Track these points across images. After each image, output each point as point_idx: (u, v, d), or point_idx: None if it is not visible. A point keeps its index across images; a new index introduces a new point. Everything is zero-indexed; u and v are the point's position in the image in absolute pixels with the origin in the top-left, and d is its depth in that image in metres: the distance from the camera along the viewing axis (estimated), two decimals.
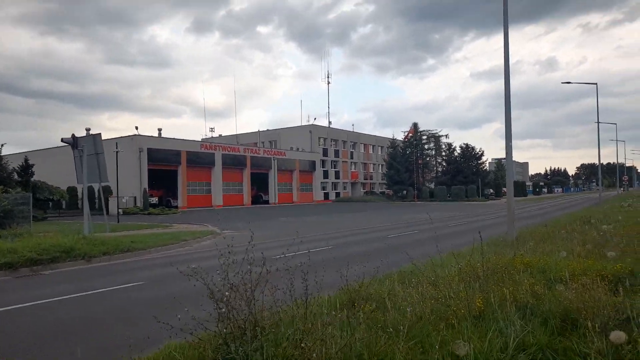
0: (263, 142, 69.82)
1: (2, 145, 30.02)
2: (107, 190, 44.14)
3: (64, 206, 45.37)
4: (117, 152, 28.78)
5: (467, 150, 76.34)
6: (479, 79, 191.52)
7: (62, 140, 15.64)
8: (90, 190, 45.85)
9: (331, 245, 14.87)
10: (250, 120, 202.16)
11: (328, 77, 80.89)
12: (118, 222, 28.15)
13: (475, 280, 6.27)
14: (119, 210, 43.35)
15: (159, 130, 52.99)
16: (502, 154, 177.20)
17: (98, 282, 9.48)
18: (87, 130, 56.16)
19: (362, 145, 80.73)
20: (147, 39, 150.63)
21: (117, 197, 43.53)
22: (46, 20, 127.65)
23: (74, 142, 15.67)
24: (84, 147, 19.89)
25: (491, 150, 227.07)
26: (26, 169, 34.51)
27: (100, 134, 19.12)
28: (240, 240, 16.30)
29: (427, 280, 6.72)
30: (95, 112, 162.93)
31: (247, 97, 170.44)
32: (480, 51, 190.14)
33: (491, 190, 79.16)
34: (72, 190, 48.62)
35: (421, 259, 10.47)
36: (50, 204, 39.56)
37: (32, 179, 35.11)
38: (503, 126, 13.17)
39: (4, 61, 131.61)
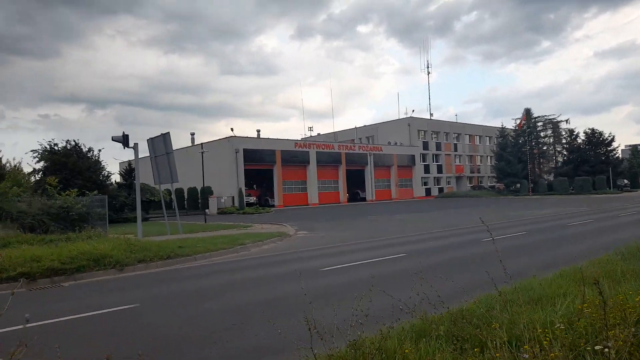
0: (360, 139, 67.75)
1: (99, 150, 31.87)
2: (207, 191, 45.83)
3: (172, 206, 47.93)
4: (202, 152, 28.73)
5: (594, 136, 66.21)
6: (605, 58, 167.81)
7: (112, 138, 15.19)
8: (194, 190, 48.12)
9: (406, 252, 12.22)
10: (352, 119, 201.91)
11: (428, 66, 76.32)
12: (205, 222, 28.09)
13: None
14: (217, 209, 44.77)
15: (258, 131, 53.85)
16: (637, 140, 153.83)
17: (94, 301, 8.14)
18: (192, 134, 59.43)
19: (467, 136, 74.53)
20: (255, 49, 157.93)
21: (215, 197, 45.20)
22: (169, 40, 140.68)
23: (123, 141, 15.07)
24: (152, 147, 19.54)
25: (623, 136, 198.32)
26: (129, 172, 36.48)
27: (169, 132, 18.62)
28: (308, 243, 13.97)
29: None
30: (213, 120, 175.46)
31: (349, 97, 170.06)
32: (605, 27, 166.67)
33: (625, 181, 67.88)
34: (179, 192, 51.53)
35: (509, 279, 7.51)
36: (154, 204, 41.69)
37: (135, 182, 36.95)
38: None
39: (137, 80, 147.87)
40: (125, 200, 33.53)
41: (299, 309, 6.57)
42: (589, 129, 67.22)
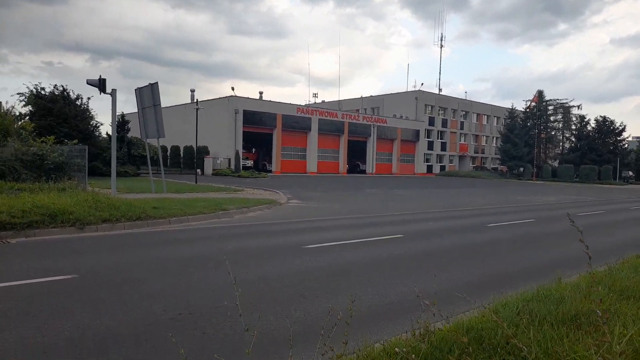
0: (365, 109, 65.79)
1: (88, 98, 30.23)
2: (203, 150, 44.38)
3: (168, 164, 46.65)
4: (197, 109, 27.05)
5: (604, 124, 64.21)
6: (622, 45, 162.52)
7: (87, 82, 13.71)
8: (190, 148, 46.63)
9: (404, 232, 10.99)
10: (359, 90, 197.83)
11: (441, 39, 73.36)
12: (196, 182, 26.86)
13: None
14: (213, 170, 43.45)
15: (260, 93, 51.91)
16: None
17: (27, 266, 6.93)
18: (192, 91, 57.56)
19: (475, 115, 72.47)
20: (265, 9, 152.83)
21: (211, 158, 43.82)
22: None
23: (100, 85, 13.58)
24: (139, 98, 18.08)
25: (632, 128, 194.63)
26: (122, 125, 34.99)
27: (157, 83, 17.14)
28: (298, 214, 12.43)
29: None
30: (219, 80, 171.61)
31: (357, 67, 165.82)
32: (624, 13, 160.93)
33: (630, 173, 66.33)
34: (175, 149, 50.07)
35: (530, 279, 6.25)
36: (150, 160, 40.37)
37: (128, 135, 35.60)
38: None
39: (143, 33, 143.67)
40: (117, 154, 32.16)
41: (264, 302, 5.34)
42: (601, 116, 65.15)
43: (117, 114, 39.97)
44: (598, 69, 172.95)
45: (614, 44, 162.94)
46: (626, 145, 68.09)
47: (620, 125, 63.97)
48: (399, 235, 10.38)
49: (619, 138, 64.61)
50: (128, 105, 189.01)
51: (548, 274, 7.18)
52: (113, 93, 14.04)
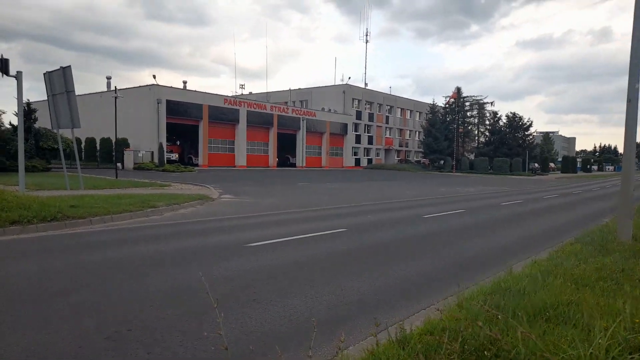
0: (294, 102, 65.39)
1: None
2: (123, 143, 41.48)
3: (82, 157, 43.09)
4: (115, 97, 25.14)
5: (514, 120, 69.43)
6: (525, 48, 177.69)
7: None
8: (107, 141, 43.37)
9: (347, 226, 10.80)
10: (285, 82, 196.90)
11: (366, 34, 74.75)
12: (116, 177, 24.96)
13: None
14: (134, 164, 40.81)
15: (184, 82, 49.50)
16: (547, 128, 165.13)
17: None
18: (108, 78, 53.55)
19: (399, 109, 74.97)
20: None
21: (129, 151, 41.08)
22: None
23: (2, 66, 11.91)
24: (49, 83, 16.35)
25: (535, 124, 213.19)
26: (28, 114, 31.58)
27: (69, 66, 15.49)
28: (233, 209, 11.49)
29: None
30: (137, 68, 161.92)
31: (283, 59, 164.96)
32: (528, 18, 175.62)
33: (536, 165, 72.57)
34: (91, 142, 46.33)
35: (480, 269, 6.28)
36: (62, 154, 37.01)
37: (35, 126, 32.21)
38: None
39: (49, 13, 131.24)
40: (24, 147, 29.01)
41: (210, 308, 4.79)
42: (511, 112, 70.47)
43: (23, 102, 36.09)
44: (505, 69, 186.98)
45: (519, 46, 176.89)
46: (533, 140, 74.19)
47: (527, 121, 69.51)
48: (342, 230, 10.17)
49: (526, 133, 70.16)
50: (33, 92, 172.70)
51: (494, 262, 7.31)
52: (18, 76, 12.33)
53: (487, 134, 73.93)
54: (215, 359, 3.58)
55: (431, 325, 3.82)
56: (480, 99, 75.62)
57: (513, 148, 67.35)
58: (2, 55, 11.64)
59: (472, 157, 72.46)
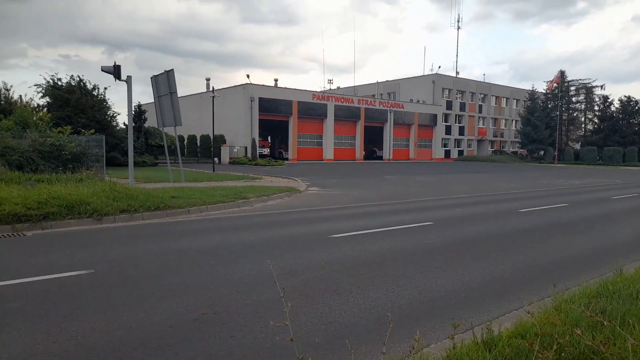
0: (381, 94, 64.71)
1: (105, 88, 30.00)
2: (220, 139, 44.17)
3: (185, 153, 46.68)
4: (213, 96, 26.68)
5: (629, 104, 62.07)
6: None
7: (102, 69, 13.37)
8: (207, 137, 46.44)
9: (434, 220, 10.48)
10: (376, 75, 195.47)
11: (458, 20, 71.61)
12: (213, 171, 26.63)
13: None
14: (230, 159, 43.27)
15: (275, 80, 51.36)
16: None
17: (41, 260, 6.63)
18: (207, 80, 57.15)
19: (494, 97, 70.75)
20: None
21: (227, 146, 43.54)
22: None
23: (115, 72, 13.22)
24: (155, 86, 17.75)
25: None
26: (139, 115, 34.89)
27: (172, 70, 16.76)
28: (319, 201, 11.81)
29: None
30: (233, 70, 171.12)
31: (370, 53, 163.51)
32: None
33: None
34: (192, 139, 49.98)
35: (583, 268, 5.68)
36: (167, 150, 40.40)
37: (144, 125, 35.50)
38: None
39: (157, 24, 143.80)
40: (135, 144, 32.11)
41: (293, 299, 4.90)
42: (625, 96, 63.06)
43: (134, 104, 39.91)
44: (618, 48, 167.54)
45: (636, 21, 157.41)
46: None
47: None
48: (429, 223, 9.87)
49: None
50: (144, 96, 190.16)
51: (599, 262, 6.63)
52: (128, 80, 13.68)
53: (596, 120, 66.96)
54: (290, 347, 3.64)
55: (523, 328, 3.56)
56: (588, 83, 68.65)
57: (627, 136, 60.36)
58: (115, 62, 13.03)
59: (577, 146, 66.26)
